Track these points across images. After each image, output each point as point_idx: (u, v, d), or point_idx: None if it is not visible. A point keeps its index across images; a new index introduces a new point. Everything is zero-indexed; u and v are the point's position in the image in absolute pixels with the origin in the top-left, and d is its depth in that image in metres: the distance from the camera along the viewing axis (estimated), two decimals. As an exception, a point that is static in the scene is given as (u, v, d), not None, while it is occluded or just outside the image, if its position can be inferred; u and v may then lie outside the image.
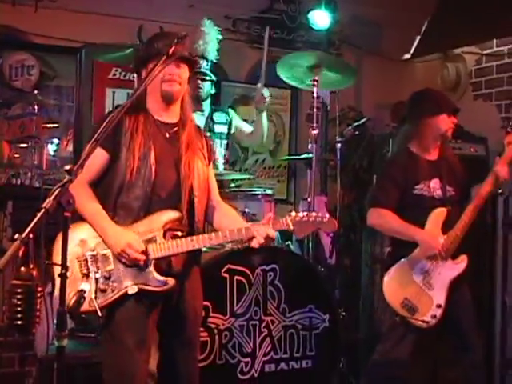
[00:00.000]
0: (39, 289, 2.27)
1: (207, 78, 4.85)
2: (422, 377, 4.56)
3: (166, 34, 3.22)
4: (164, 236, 2.93)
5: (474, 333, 3.82)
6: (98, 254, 2.86)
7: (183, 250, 2.93)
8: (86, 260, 2.85)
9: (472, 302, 3.85)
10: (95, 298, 2.80)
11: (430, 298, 3.69)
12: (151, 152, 2.96)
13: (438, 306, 3.68)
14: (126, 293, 2.85)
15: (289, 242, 4.59)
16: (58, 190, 2.17)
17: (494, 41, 6.13)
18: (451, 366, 3.97)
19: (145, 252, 2.86)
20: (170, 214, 2.95)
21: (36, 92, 5.33)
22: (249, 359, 3.85)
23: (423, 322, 3.65)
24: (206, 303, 3.69)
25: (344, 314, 4.35)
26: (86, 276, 2.83)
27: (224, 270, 3.78)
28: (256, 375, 3.86)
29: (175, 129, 3.09)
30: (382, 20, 6.80)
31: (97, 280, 2.82)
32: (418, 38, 6.51)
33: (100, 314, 2.79)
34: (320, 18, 6.11)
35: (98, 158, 2.90)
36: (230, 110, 5.11)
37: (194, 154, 3.08)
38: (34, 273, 2.24)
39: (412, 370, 3.86)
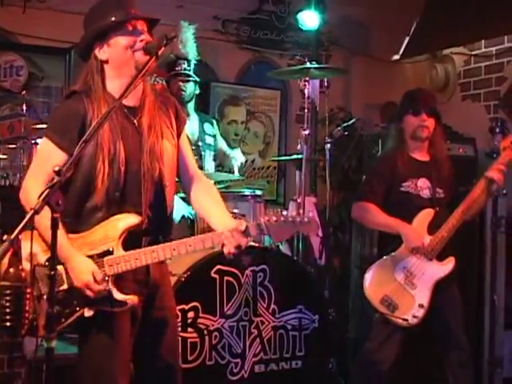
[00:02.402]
0: (28, 290, 2.26)
1: (190, 78, 4.84)
2: (410, 376, 4.58)
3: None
4: (122, 244, 2.59)
5: (462, 332, 3.84)
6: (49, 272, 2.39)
7: (143, 263, 2.59)
8: (37, 278, 2.51)
9: (460, 302, 3.87)
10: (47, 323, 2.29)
11: (411, 297, 3.69)
12: (121, 150, 2.61)
13: (420, 306, 3.68)
14: (82, 315, 2.53)
15: (278, 243, 4.59)
16: (47, 191, 2.15)
17: (483, 42, 6.18)
18: (439, 364, 3.99)
19: (100, 291, 2.52)
20: (128, 220, 2.60)
21: (24, 93, 5.32)
22: (239, 360, 3.85)
23: (403, 320, 3.65)
24: (195, 304, 3.70)
25: (333, 314, 4.35)
26: (38, 298, 2.52)
27: (214, 270, 3.77)
28: (246, 376, 3.86)
29: (141, 113, 2.71)
30: (371, 21, 6.82)
31: (49, 302, 2.37)
32: (406, 39, 6.55)
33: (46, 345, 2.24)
34: (309, 19, 6.12)
35: (56, 160, 2.53)
36: (215, 124, 5.13)
37: (157, 137, 2.70)
38: (23, 274, 2.23)
39: (399, 369, 3.87)
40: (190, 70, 4.86)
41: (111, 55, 2.66)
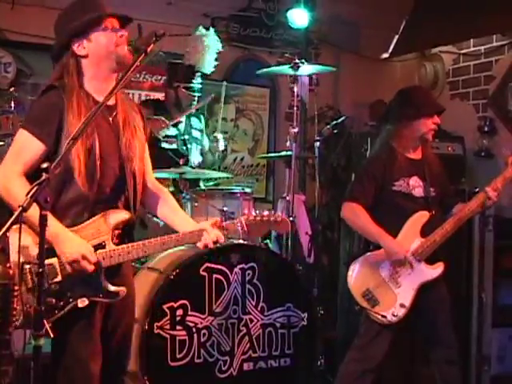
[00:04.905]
0: (16, 288, 2.25)
1: (196, 94, 4.87)
2: (397, 373, 4.59)
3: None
4: (113, 239, 2.70)
5: (450, 329, 3.84)
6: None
7: (134, 256, 2.72)
8: (30, 271, 2.53)
9: (448, 299, 3.87)
10: (35, 321, 2.30)
11: (394, 296, 3.68)
12: (96, 145, 2.66)
13: (402, 306, 3.67)
14: (76, 306, 2.61)
15: (267, 241, 4.59)
16: (35, 188, 2.15)
17: (471, 40, 6.20)
18: (426, 362, 4.00)
19: (97, 263, 2.62)
20: (119, 216, 2.72)
21: (12, 89, 5.29)
22: (227, 358, 3.85)
23: (382, 316, 3.65)
24: (184, 302, 3.70)
25: (322, 312, 4.36)
26: (31, 290, 2.53)
27: (202, 268, 3.78)
28: (234, 374, 3.86)
29: (116, 111, 2.80)
30: (360, 19, 6.82)
31: (38, 299, 2.39)
32: (396, 38, 6.55)
33: (51, 335, 2.41)
34: (299, 17, 6.11)
35: (34, 150, 2.64)
36: (202, 118, 5.16)
37: (132, 134, 2.81)
38: (11, 272, 2.22)
39: (387, 366, 3.88)
40: (201, 86, 4.93)
41: (92, 50, 2.73)
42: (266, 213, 2.91)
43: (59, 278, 2.60)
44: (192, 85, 4.85)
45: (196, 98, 4.90)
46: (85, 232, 2.66)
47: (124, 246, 2.71)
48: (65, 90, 2.71)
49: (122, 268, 2.80)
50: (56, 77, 2.79)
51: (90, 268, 2.59)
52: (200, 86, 4.93)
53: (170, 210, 2.98)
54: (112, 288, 2.69)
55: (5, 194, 2.61)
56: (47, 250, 2.40)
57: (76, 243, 2.58)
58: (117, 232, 2.72)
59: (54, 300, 2.56)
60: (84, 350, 2.69)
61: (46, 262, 2.47)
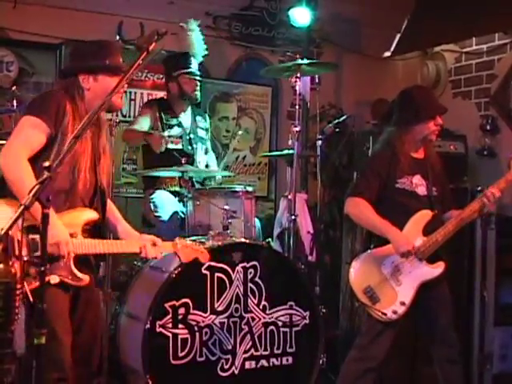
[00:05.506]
0: (18, 286, 2.26)
1: (198, 78, 4.92)
2: (399, 372, 4.59)
3: (109, 45, 3.21)
4: (83, 232, 2.99)
5: (451, 328, 3.84)
6: (28, 237, 2.80)
7: (96, 251, 3.00)
8: (18, 241, 2.72)
9: (450, 298, 3.87)
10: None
11: (394, 293, 3.68)
12: (85, 152, 3.01)
13: (402, 304, 3.66)
14: (49, 281, 2.83)
15: (269, 239, 4.59)
16: (37, 186, 2.16)
17: (474, 39, 6.19)
18: (428, 361, 3.99)
19: (70, 252, 2.89)
20: (90, 215, 3.05)
21: (15, 88, 5.29)
22: (229, 356, 3.85)
23: (382, 313, 3.65)
24: (186, 300, 3.71)
25: (324, 310, 4.35)
26: (16, 257, 2.73)
27: (204, 267, 3.77)
28: (236, 372, 3.87)
29: (99, 129, 3.13)
30: (362, 18, 6.83)
31: (25, 263, 2.75)
32: (397, 36, 6.54)
33: (31, 299, 2.61)
34: (300, 16, 6.11)
35: (41, 134, 2.90)
36: (207, 118, 5.19)
37: (107, 157, 3.17)
38: (13, 270, 2.23)
39: (389, 366, 3.87)
40: (200, 71, 4.99)
41: (94, 88, 3.06)
42: (190, 243, 3.31)
43: (38, 253, 2.72)
44: (191, 70, 4.89)
45: (198, 84, 4.93)
46: (61, 220, 2.89)
47: (91, 239, 2.99)
48: (70, 97, 2.99)
49: (89, 261, 3.06)
50: (61, 88, 3.07)
51: (65, 254, 2.84)
52: (199, 71, 4.96)
53: (115, 220, 3.29)
54: (79, 274, 2.94)
55: (13, 173, 2.81)
56: (33, 226, 2.68)
57: (62, 230, 2.85)
58: (86, 227, 3.01)
59: (34, 270, 2.74)
60: (59, 327, 2.90)
61: (31, 236, 2.78)
